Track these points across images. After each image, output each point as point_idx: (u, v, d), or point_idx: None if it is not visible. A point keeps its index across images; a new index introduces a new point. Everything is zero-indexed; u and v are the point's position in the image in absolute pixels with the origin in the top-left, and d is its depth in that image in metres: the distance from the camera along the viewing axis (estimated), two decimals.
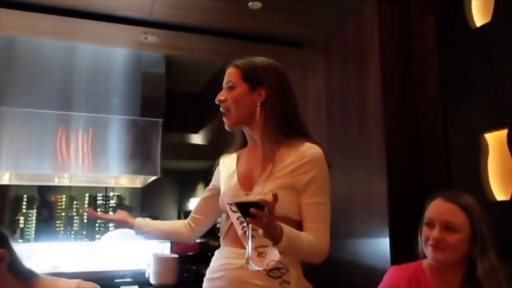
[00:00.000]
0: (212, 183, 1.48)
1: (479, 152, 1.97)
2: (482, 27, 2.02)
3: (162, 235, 1.52)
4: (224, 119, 1.35)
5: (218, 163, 1.46)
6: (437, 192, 1.40)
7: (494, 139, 1.94)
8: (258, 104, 1.30)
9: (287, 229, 1.11)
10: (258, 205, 1.02)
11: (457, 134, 2.12)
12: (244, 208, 1.04)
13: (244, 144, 1.42)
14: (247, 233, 1.08)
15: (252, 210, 1.01)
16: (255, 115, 1.30)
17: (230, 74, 1.36)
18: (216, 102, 1.36)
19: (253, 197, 1.05)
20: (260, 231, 1.05)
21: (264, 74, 1.32)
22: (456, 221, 1.28)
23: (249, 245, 1.08)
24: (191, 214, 1.51)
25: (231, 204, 1.15)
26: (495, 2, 1.97)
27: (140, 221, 1.49)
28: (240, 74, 1.32)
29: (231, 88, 1.33)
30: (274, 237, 1.08)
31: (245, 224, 1.10)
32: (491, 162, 1.94)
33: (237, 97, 1.31)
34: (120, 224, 1.51)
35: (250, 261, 1.09)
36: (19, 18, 2.56)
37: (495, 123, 1.92)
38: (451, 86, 2.17)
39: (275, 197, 1.06)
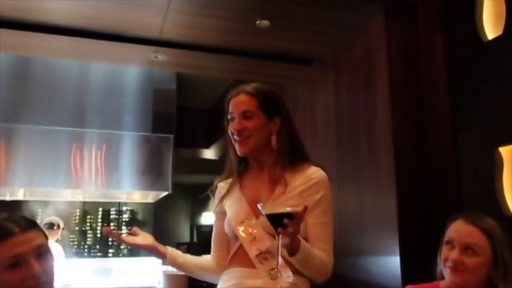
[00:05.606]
0: (217, 210, 1.46)
1: (493, 166, 1.93)
2: (494, 40, 1.99)
3: (197, 271, 1.41)
4: (239, 145, 1.34)
5: (216, 187, 1.46)
6: (458, 214, 1.37)
7: (509, 152, 1.90)
8: (274, 133, 1.35)
9: (303, 241, 1.17)
10: (290, 215, 1.07)
11: (470, 148, 2.08)
12: (275, 218, 1.09)
13: (242, 169, 1.42)
14: (277, 243, 1.12)
15: (285, 220, 1.06)
16: (269, 143, 1.34)
17: (246, 103, 1.34)
18: (232, 131, 1.34)
19: (284, 208, 1.09)
20: (285, 240, 1.10)
21: (277, 105, 1.37)
22: (477, 244, 1.26)
23: (279, 254, 1.12)
24: (214, 252, 1.45)
25: (265, 215, 1.14)
26: (507, 15, 1.95)
27: (172, 251, 1.38)
28: (257, 104, 1.34)
29: (249, 118, 1.33)
30: (294, 248, 1.13)
31: (259, 246, 1.15)
32: (506, 176, 1.89)
33: (257, 127, 1.33)
34: (147, 251, 1.34)
35: (280, 270, 1.13)
36: (34, 39, 2.63)
37: (509, 136, 1.88)
38: (462, 100, 2.14)
39: (305, 208, 1.09)
